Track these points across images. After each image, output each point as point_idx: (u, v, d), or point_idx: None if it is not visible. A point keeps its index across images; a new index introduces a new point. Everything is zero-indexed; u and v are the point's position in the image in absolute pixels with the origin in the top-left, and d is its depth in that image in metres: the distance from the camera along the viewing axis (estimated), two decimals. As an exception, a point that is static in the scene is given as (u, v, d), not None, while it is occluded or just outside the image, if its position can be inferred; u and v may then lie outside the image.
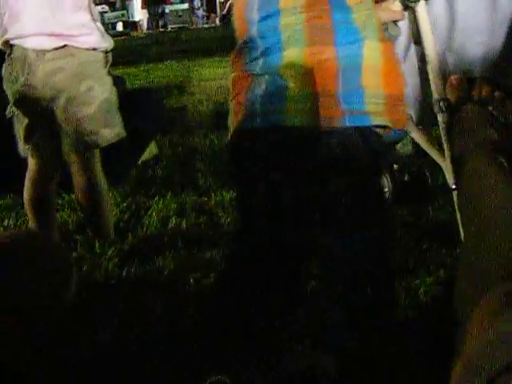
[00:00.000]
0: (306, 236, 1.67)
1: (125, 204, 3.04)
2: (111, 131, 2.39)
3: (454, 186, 1.90)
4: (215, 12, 21.46)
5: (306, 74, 1.49)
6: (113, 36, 2.74)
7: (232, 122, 1.64)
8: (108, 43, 2.46)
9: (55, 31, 2.32)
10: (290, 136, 1.51)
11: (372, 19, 1.52)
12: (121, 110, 2.45)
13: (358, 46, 1.50)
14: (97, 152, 2.46)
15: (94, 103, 2.36)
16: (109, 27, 18.48)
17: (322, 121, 1.49)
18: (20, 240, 1.68)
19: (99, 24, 2.45)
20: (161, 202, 3.01)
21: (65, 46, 2.33)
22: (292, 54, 1.49)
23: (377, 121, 1.53)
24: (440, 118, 1.90)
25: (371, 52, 1.51)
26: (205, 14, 21.33)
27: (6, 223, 3.01)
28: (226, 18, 12.32)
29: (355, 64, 1.50)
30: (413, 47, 2.02)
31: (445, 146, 1.93)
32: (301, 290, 1.80)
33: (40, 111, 2.38)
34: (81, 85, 2.36)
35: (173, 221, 2.76)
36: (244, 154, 1.63)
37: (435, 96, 1.90)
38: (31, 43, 2.33)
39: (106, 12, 19.00)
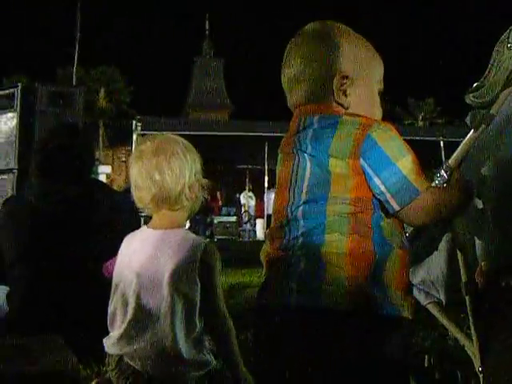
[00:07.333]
0: None
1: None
2: None
3: (480, 369, 1.92)
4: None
5: (345, 260, 1.61)
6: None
7: (263, 294, 1.73)
8: None
9: None
10: (322, 317, 1.59)
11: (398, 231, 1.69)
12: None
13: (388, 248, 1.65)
14: None
15: None
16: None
17: (355, 305, 1.59)
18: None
19: None
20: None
21: None
22: (334, 238, 1.63)
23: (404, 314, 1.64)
24: (467, 300, 1.97)
25: (396, 257, 1.65)
26: (251, 228, 22.05)
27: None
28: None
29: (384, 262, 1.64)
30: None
31: (472, 329, 1.97)
32: None
33: None
34: None
35: None
36: (270, 328, 1.68)
37: (464, 279, 1.98)
38: None
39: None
